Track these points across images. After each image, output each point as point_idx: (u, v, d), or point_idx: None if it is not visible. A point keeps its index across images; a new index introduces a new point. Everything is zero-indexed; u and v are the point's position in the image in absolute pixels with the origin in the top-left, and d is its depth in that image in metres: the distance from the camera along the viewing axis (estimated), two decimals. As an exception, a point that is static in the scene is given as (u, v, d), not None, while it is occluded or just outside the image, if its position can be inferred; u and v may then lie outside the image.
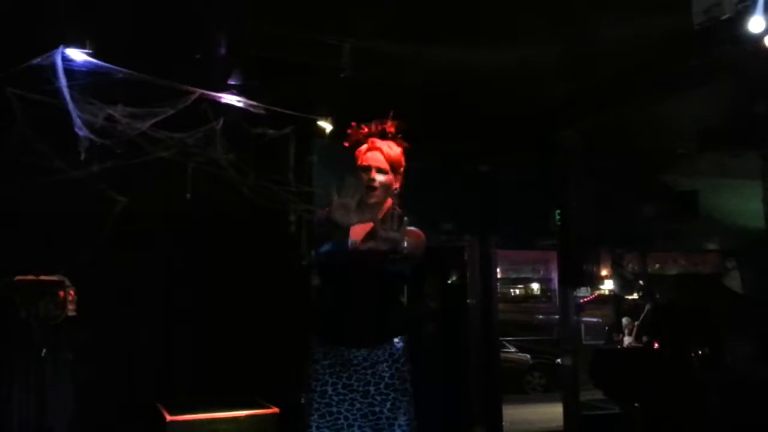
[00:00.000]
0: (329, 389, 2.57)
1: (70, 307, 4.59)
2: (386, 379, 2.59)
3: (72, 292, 4.60)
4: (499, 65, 4.64)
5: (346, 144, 2.78)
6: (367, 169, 2.66)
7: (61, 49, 3.85)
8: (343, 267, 2.57)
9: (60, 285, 4.57)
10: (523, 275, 15.44)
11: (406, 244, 2.37)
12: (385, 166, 2.67)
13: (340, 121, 5.21)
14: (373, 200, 2.61)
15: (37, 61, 3.81)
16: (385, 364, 2.60)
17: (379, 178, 2.65)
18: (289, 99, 4.78)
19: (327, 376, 2.58)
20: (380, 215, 2.50)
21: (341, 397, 2.56)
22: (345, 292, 2.60)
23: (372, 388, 2.57)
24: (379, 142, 2.71)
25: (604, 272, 9.57)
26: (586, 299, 9.47)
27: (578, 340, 7.80)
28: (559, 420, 6.49)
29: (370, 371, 2.58)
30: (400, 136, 2.75)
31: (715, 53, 4.15)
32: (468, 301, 6.39)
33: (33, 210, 4.68)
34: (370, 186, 2.63)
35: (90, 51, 3.94)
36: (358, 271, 2.56)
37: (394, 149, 2.72)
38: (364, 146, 2.72)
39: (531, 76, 4.84)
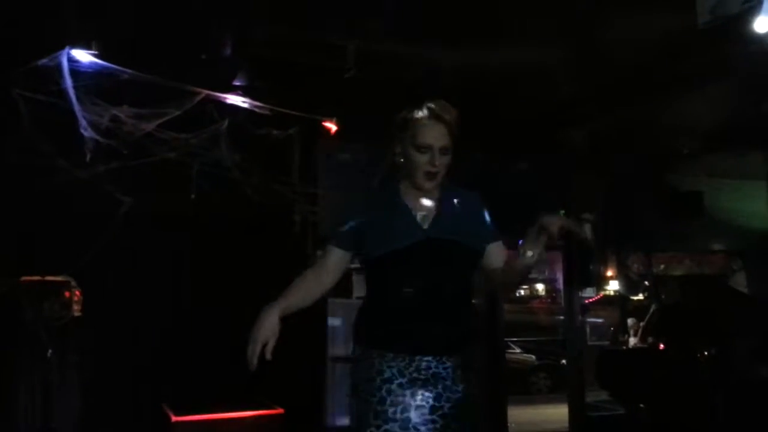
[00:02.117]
0: (412, 415, 1.97)
1: (76, 307, 4.60)
2: (474, 390, 2.08)
3: (78, 293, 4.60)
4: (503, 65, 4.64)
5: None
6: (428, 148, 2.09)
7: (66, 49, 3.87)
8: (420, 258, 2.04)
9: (65, 285, 4.58)
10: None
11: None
12: (449, 143, 2.11)
13: (345, 121, 5.23)
14: (430, 187, 2.12)
15: (43, 61, 3.83)
16: (471, 372, 2.08)
17: (443, 160, 2.11)
18: (294, 100, 4.79)
19: (408, 398, 1.98)
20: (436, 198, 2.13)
21: (429, 426, 1.98)
22: (424, 288, 2.03)
23: (461, 408, 2.03)
24: (439, 110, 2.12)
25: (609, 273, 9.56)
26: (591, 300, 9.46)
27: (584, 340, 7.79)
28: (564, 421, 6.48)
29: (461, 385, 2.03)
30: None
31: (720, 53, 4.14)
32: (473, 301, 6.39)
33: (38, 210, 4.69)
34: (429, 173, 2.10)
35: (96, 52, 3.96)
36: (437, 259, 2.05)
37: (454, 116, 2.14)
38: (420, 114, 2.12)
39: (535, 76, 4.84)
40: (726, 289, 7.14)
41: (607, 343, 8.95)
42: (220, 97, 4.51)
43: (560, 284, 7.36)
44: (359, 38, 4.30)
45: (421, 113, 2.13)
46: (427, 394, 1.99)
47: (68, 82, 3.89)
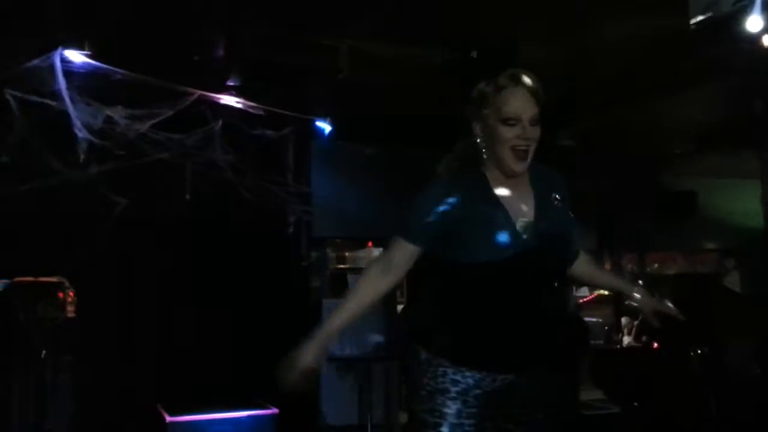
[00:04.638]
0: (489, 426, 1.87)
1: (70, 308, 4.59)
2: (554, 406, 1.97)
3: (71, 294, 4.59)
4: (497, 65, 4.64)
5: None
6: (516, 119, 1.83)
7: (59, 50, 3.86)
8: (517, 270, 1.82)
9: (59, 286, 4.57)
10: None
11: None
12: (538, 113, 1.87)
13: (338, 122, 5.23)
14: (521, 170, 1.87)
15: (36, 62, 3.82)
16: (551, 390, 1.96)
17: (534, 132, 1.86)
18: (287, 100, 4.79)
19: (484, 410, 1.86)
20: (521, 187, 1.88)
21: None
22: (517, 302, 1.84)
23: (540, 415, 1.91)
24: (523, 76, 1.88)
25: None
26: (585, 299, 9.47)
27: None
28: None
29: (538, 392, 1.92)
30: None
31: (713, 53, 4.16)
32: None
33: (32, 211, 4.68)
34: (519, 150, 1.84)
35: (89, 52, 3.95)
36: (535, 271, 1.84)
37: (539, 82, 1.90)
38: (503, 81, 1.87)
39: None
40: (719, 288, 7.16)
41: (601, 342, 8.96)
42: (213, 97, 4.51)
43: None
44: (352, 39, 4.30)
45: (503, 82, 1.87)
46: (503, 403, 1.87)
47: (61, 82, 3.88)
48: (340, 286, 6.19)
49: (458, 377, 1.85)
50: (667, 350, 6.37)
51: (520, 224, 1.85)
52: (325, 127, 5.24)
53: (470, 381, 1.85)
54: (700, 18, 3.53)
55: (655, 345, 6.73)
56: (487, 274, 1.81)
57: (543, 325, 1.90)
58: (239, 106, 4.64)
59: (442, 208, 1.85)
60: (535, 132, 1.86)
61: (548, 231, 1.86)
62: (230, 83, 4.68)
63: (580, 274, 2.15)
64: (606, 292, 10.26)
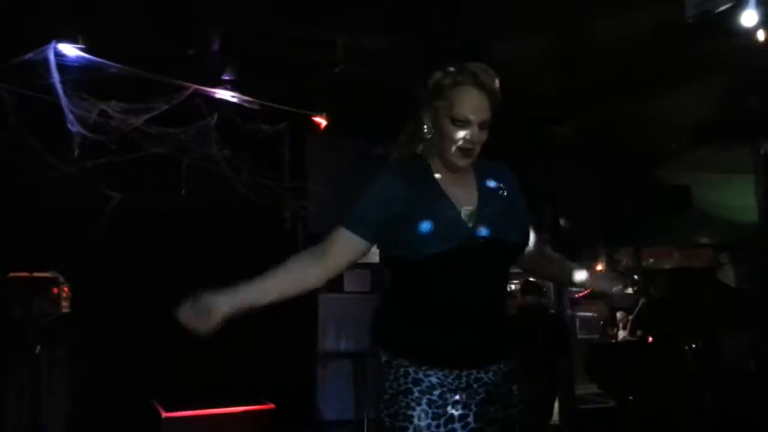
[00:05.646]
0: (457, 426, 1.76)
1: (64, 303, 4.58)
2: (520, 394, 1.90)
3: (66, 289, 4.59)
4: (493, 59, 4.64)
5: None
6: (465, 122, 1.81)
7: (53, 44, 3.83)
8: (464, 261, 1.78)
9: (54, 282, 4.56)
10: (517, 270, 15.41)
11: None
12: (489, 117, 1.84)
13: (334, 116, 5.22)
14: (464, 165, 1.86)
15: (29, 56, 3.79)
16: (514, 377, 1.89)
17: (481, 136, 1.84)
18: (283, 94, 4.78)
19: (450, 408, 1.77)
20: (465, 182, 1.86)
21: None
22: (468, 294, 1.79)
23: (514, 410, 1.85)
24: (483, 76, 1.83)
25: (598, 267, 9.59)
26: (580, 294, 9.49)
27: (573, 334, 7.83)
28: (555, 413, 6.51)
29: (505, 387, 1.85)
30: None
31: (708, 47, 4.17)
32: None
33: (26, 206, 4.66)
34: (464, 149, 1.82)
35: (83, 46, 3.93)
36: (483, 261, 1.79)
37: (497, 83, 1.86)
38: (461, 80, 1.83)
39: (525, 70, 4.84)
40: (714, 282, 7.18)
41: (596, 336, 8.99)
42: (209, 91, 4.49)
43: (550, 278, 7.38)
44: (349, 32, 4.29)
45: (462, 79, 1.82)
46: (470, 401, 1.78)
47: (55, 76, 3.85)
48: (335, 281, 6.19)
49: (420, 376, 1.78)
50: (662, 344, 6.40)
51: (464, 213, 1.83)
52: (322, 121, 5.22)
53: (433, 379, 1.77)
54: (695, 12, 3.53)
55: (650, 339, 6.75)
56: (435, 266, 1.77)
57: (498, 315, 1.87)
58: (235, 100, 4.62)
59: (385, 197, 1.83)
60: (483, 135, 1.84)
61: (493, 219, 1.83)
62: (226, 77, 4.67)
63: (528, 266, 2.08)
64: (601, 287, 10.28)
